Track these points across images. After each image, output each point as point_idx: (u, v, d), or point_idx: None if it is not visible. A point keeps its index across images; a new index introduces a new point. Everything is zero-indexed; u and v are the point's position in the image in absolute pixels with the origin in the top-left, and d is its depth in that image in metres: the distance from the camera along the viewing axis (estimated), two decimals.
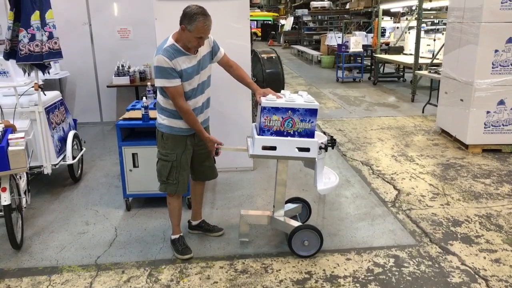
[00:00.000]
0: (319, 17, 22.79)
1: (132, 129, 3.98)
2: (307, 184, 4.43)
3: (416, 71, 8.39)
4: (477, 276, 2.88)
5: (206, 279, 2.88)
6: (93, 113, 7.21)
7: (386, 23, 13.72)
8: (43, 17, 3.74)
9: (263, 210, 3.60)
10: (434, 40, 9.35)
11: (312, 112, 2.83)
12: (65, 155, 4.36)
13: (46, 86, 4.55)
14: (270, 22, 35.06)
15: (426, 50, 9.58)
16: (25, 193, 3.54)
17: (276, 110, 2.83)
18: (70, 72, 6.88)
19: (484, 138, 5.37)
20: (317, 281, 2.85)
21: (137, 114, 3.83)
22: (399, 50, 11.04)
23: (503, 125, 5.32)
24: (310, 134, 2.87)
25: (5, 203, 3.06)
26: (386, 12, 13.55)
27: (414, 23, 9.80)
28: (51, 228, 3.63)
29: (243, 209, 3.35)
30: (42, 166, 4.11)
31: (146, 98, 3.84)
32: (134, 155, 3.75)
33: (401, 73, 11.69)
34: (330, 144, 2.97)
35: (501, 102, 5.26)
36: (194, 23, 2.69)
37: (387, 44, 12.15)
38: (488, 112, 5.29)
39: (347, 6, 20.49)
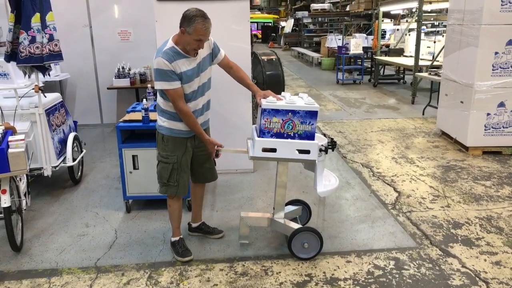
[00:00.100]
0: (320, 19, 22.84)
1: (132, 131, 3.98)
2: (307, 186, 4.43)
3: (416, 73, 8.40)
4: (477, 279, 2.87)
5: (206, 282, 2.88)
6: (94, 115, 7.21)
7: (386, 25, 13.73)
8: (44, 19, 3.75)
9: (263, 212, 3.59)
10: (434, 42, 9.35)
11: (313, 114, 2.83)
12: (65, 157, 4.36)
13: (47, 88, 4.56)
14: (270, 24, 35.12)
15: (426, 52, 9.58)
16: (25, 195, 3.54)
17: (276, 112, 2.82)
18: (71, 74, 6.88)
19: (485, 140, 5.37)
20: (317, 284, 2.84)
21: (137, 116, 3.83)
22: (399, 52, 11.05)
23: (503, 127, 5.32)
24: (310, 136, 2.87)
25: (5, 205, 3.05)
26: (386, 14, 13.56)
27: (414, 25, 9.82)
28: (51, 230, 3.63)
29: (243, 211, 3.35)
30: (42, 168, 4.10)
31: (147, 100, 3.84)
32: (134, 157, 3.75)
33: (401, 75, 11.69)
34: (330, 146, 2.96)
35: (501, 104, 5.26)
36: (193, 25, 2.69)
37: (387, 46, 12.17)
38: (488, 114, 5.29)
39: (347, 8, 20.51)
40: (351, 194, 4.30)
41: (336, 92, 10.27)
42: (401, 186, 4.46)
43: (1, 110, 3.94)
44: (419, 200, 4.12)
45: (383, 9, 11.53)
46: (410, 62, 9.24)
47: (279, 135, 2.85)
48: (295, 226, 3.15)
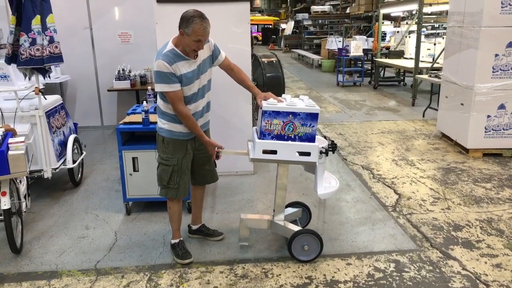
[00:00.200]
0: (320, 21, 22.86)
1: (133, 133, 3.98)
2: (307, 189, 4.42)
3: (416, 75, 8.40)
4: (478, 281, 2.87)
5: (206, 284, 2.87)
6: (94, 117, 7.22)
7: (387, 27, 13.75)
8: (44, 22, 3.76)
9: (263, 215, 3.58)
10: (435, 44, 9.36)
11: (313, 117, 2.83)
12: (65, 159, 4.35)
13: (47, 90, 4.56)
14: (270, 26, 35.16)
15: (427, 54, 9.59)
16: (25, 197, 3.53)
17: (277, 114, 2.82)
18: (71, 76, 6.89)
19: (485, 142, 5.37)
20: (317, 286, 2.83)
21: (138, 118, 3.83)
22: (400, 54, 11.06)
23: (503, 129, 5.32)
24: (311, 138, 2.87)
25: (5, 207, 3.05)
26: (387, 17, 13.58)
27: (414, 27, 9.82)
28: (51, 233, 3.62)
29: (243, 213, 3.34)
30: (42, 170, 4.10)
31: (147, 102, 3.85)
32: (134, 159, 3.75)
33: (402, 77, 11.70)
34: (330, 149, 2.96)
35: (502, 106, 5.26)
36: (191, 26, 2.69)
37: (388, 48, 12.18)
38: (488, 116, 5.29)
39: (348, 11, 20.55)
40: (352, 196, 4.29)
41: (336, 94, 10.27)
42: (402, 188, 4.46)
43: (1, 112, 3.94)
44: (420, 202, 4.12)
45: (383, 11, 11.54)
46: (410, 64, 9.24)
47: (279, 137, 2.85)
48: (295, 228, 3.15)
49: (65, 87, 7.11)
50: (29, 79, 3.93)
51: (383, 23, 12.11)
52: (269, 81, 6.00)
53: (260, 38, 33.83)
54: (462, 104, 5.50)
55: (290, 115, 2.82)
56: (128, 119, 3.89)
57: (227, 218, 3.83)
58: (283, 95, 3.08)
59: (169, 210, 3.17)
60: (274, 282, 2.88)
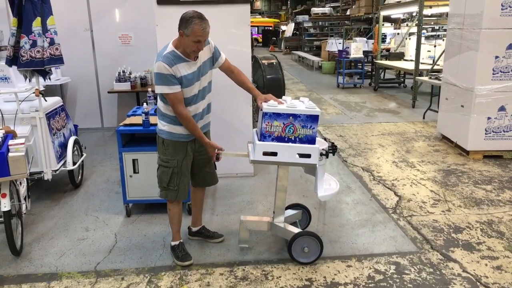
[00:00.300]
0: (320, 23, 22.90)
1: (133, 135, 3.98)
2: (307, 190, 4.42)
3: (416, 77, 8.40)
4: (478, 284, 2.86)
5: (206, 286, 2.87)
6: (94, 118, 7.22)
7: (387, 29, 13.75)
8: (45, 23, 3.76)
9: (263, 216, 3.58)
10: (435, 46, 9.36)
11: (314, 119, 2.83)
12: (65, 161, 4.35)
13: (47, 92, 4.57)
14: (271, 28, 35.19)
15: (427, 56, 9.59)
16: (25, 199, 3.53)
17: (277, 116, 2.82)
18: (71, 78, 6.89)
19: (485, 144, 5.36)
20: None
21: (138, 120, 3.83)
22: (400, 56, 11.06)
23: (504, 131, 5.32)
24: (311, 140, 2.86)
25: (5, 209, 3.05)
26: (387, 18, 13.59)
27: (414, 29, 9.83)
28: (51, 234, 3.62)
29: (243, 215, 3.34)
30: (43, 172, 4.10)
31: (147, 104, 3.84)
32: (134, 161, 3.75)
33: (402, 79, 11.70)
34: (331, 150, 2.96)
35: (502, 108, 5.25)
36: (190, 26, 2.70)
37: (388, 50, 12.18)
38: (489, 118, 5.28)
39: (348, 12, 20.58)
40: (352, 198, 4.29)
41: (336, 96, 10.28)
42: (402, 190, 4.45)
43: (2, 114, 3.95)
44: (420, 204, 4.11)
45: (383, 13, 11.55)
46: (410, 66, 9.24)
47: (280, 139, 2.85)
48: (295, 230, 3.14)
49: (65, 89, 7.11)
50: (30, 81, 3.93)
51: (383, 25, 12.11)
52: (269, 83, 6.00)
53: (260, 40, 33.84)
54: (462, 106, 5.50)
55: (291, 117, 2.82)
56: (128, 121, 3.89)
57: (227, 220, 3.82)
58: (283, 97, 3.09)
59: (169, 212, 3.16)
60: (274, 284, 2.88)
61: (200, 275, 2.99)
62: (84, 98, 7.14)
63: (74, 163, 4.40)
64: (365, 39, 13.83)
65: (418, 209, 4.00)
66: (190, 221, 3.51)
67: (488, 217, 3.82)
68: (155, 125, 3.13)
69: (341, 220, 3.80)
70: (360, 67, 12.10)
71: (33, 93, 3.91)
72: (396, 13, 12.43)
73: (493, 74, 5.16)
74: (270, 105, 2.87)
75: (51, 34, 3.81)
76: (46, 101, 4.14)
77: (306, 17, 23.88)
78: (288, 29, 27.90)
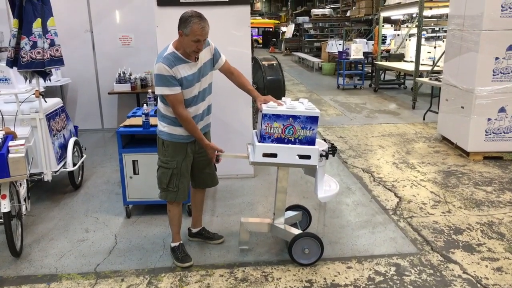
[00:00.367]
0: (320, 24, 22.93)
1: (133, 136, 3.98)
2: (307, 192, 4.42)
3: (416, 78, 8.40)
4: (479, 285, 2.86)
5: None
6: (94, 120, 7.22)
7: (387, 30, 13.77)
8: (45, 25, 3.76)
9: (263, 218, 3.58)
10: (435, 47, 9.37)
11: (313, 120, 2.83)
12: (65, 162, 4.35)
13: (48, 93, 4.57)
14: (271, 29, 35.23)
15: (427, 58, 9.60)
16: (25, 200, 3.53)
17: (277, 117, 2.82)
18: (72, 79, 6.90)
19: (485, 145, 5.36)
20: None
21: (138, 121, 3.83)
22: (400, 57, 11.07)
23: (504, 132, 5.32)
24: (311, 141, 2.86)
25: (5, 210, 3.05)
26: (387, 20, 13.60)
27: (414, 30, 9.83)
28: (51, 236, 3.62)
29: (243, 217, 3.34)
30: (43, 173, 4.10)
31: (147, 105, 3.84)
32: (134, 162, 3.75)
33: (402, 80, 11.70)
34: (331, 152, 2.96)
35: (502, 110, 5.25)
36: (189, 25, 2.70)
37: (388, 51, 12.19)
38: (489, 119, 5.28)
39: (348, 14, 20.60)
40: (352, 199, 4.29)
41: (336, 97, 10.28)
42: (402, 192, 4.45)
43: (2, 115, 3.95)
44: (420, 205, 4.11)
45: (383, 14, 11.56)
46: (410, 67, 9.24)
47: (279, 140, 2.85)
48: (296, 231, 3.14)
49: (65, 90, 7.12)
50: (30, 82, 3.93)
51: (383, 26, 12.13)
52: (269, 84, 6.00)
53: (260, 41, 33.89)
54: (462, 107, 5.50)
55: (290, 118, 2.82)
56: (128, 122, 3.89)
57: (227, 221, 3.82)
58: (283, 98, 3.08)
59: (169, 213, 3.16)
60: (274, 285, 2.88)
61: (200, 276, 2.99)
62: (84, 99, 7.14)
63: (74, 164, 4.40)
64: (365, 40, 13.84)
65: (418, 211, 4.00)
66: (190, 222, 3.51)
67: (489, 218, 3.82)
68: (155, 126, 3.13)
69: (341, 221, 3.80)
70: (360, 68, 12.11)
71: (33, 94, 3.91)
72: (396, 14, 12.44)
73: (493, 75, 5.16)
74: (270, 106, 2.87)
75: (51, 35, 3.81)
76: (46, 102, 4.14)
77: (306, 18, 23.91)
78: (288, 30, 27.93)
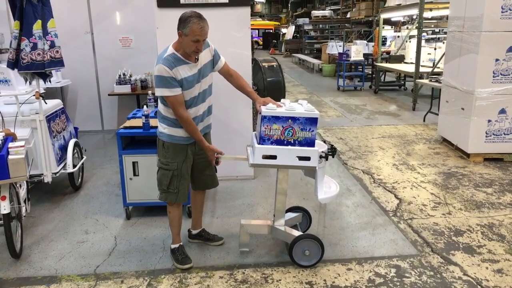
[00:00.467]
0: (320, 26, 22.95)
1: (133, 137, 3.98)
2: (307, 193, 4.41)
3: (417, 80, 8.40)
4: (479, 287, 2.85)
5: None
6: (94, 121, 7.22)
7: (387, 32, 13.78)
8: (45, 26, 3.77)
9: (263, 220, 3.58)
10: (435, 49, 9.37)
11: (312, 121, 2.83)
12: (65, 164, 4.35)
13: (48, 94, 4.57)
14: (271, 31, 35.27)
15: (427, 59, 9.60)
16: (24, 201, 3.53)
17: (276, 119, 2.82)
18: (72, 80, 6.91)
19: (486, 147, 5.36)
20: None
21: (138, 122, 3.83)
22: (400, 58, 11.08)
23: (504, 134, 5.31)
24: (310, 143, 2.86)
25: (5, 212, 3.05)
26: (387, 21, 13.62)
27: (414, 32, 9.84)
28: (51, 237, 3.61)
29: (243, 218, 3.34)
30: (43, 174, 4.10)
31: (147, 106, 3.85)
32: (134, 164, 3.75)
33: (402, 82, 11.71)
34: (330, 153, 2.96)
35: (502, 111, 5.25)
36: (188, 25, 2.70)
37: (388, 53, 12.19)
38: (489, 121, 5.28)
39: (348, 15, 20.61)
40: (352, 201, 4.28)
41: (337, 99, 10.28)
42: (402, 193, 4.44)
43: (2, 117, 3.95)
44: (420, 207, 4.11)
45: (383, 16, 11.57)
46: (410, 68, 9.25)
47: (279, 142, 2.85)
48: (296, 233, 3.14)
49: (65, 91, 7.12)
50: (30, 83, 3.94)
51: (383, 27, 12.13)
52: (269, 85, 6.00)
53: (260, 42, 33.93)
54: (462, 109, 5.50)
55: (289, 120, 2.82)
56: (128, 123, 3.89)
57: (227, 222, 3.82)
58: (282, 99, 3.08)
59: (169, 214, 3.16)
60: (274, 287, 2.87)
61: (200, 278, 2.99)
62: (85, 101, 7.15)
63: (74, 166, 4.40)
64: (365, 41, 13.83)
65: (418, 212, 3.99)
66: (190, 224, 3.50)
67: (489, 220, 3.81)
68: (155, 127, 3.13)
69: (341, 223, 3.79)
70: (361, 69, 12.11)
71: (33, 95, 3.91)
72: (396, 16, 12.45)
73: (493, 76, 5.16)
74: (269, 108, 2.87)
75: (51, 37, 3.82)
76: (46, 103, 4.14)
77: (307, 20, 23.91)
78: (288, 31, 27.96)
